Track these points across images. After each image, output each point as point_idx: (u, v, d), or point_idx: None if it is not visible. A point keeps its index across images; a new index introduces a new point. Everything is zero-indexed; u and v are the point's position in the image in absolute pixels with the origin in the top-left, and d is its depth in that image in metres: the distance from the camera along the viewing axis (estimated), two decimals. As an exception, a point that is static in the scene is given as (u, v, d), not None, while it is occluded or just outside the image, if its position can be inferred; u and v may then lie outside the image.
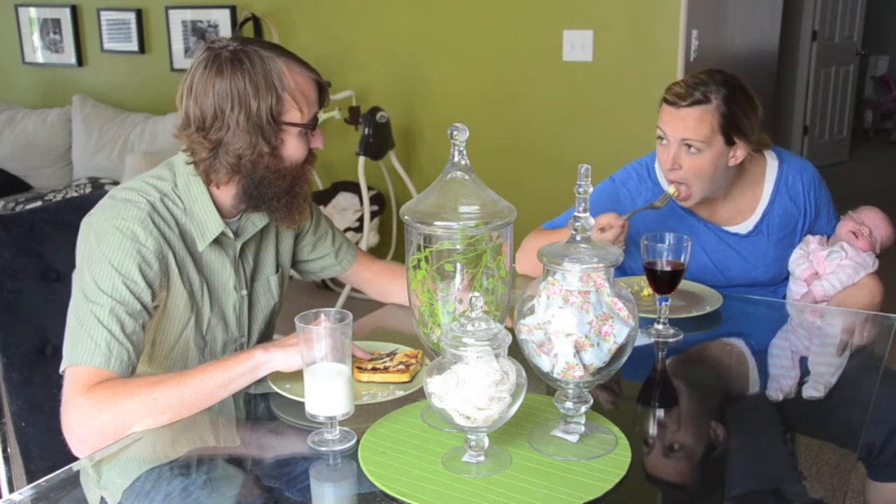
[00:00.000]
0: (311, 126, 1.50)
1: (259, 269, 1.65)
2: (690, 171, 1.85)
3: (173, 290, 1.49)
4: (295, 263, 1.79)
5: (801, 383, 1.53)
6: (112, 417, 1.26)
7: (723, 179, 1.91)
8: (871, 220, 1.96)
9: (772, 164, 1.99)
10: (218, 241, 1.54)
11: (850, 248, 1.90)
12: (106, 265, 1.39)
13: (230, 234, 1.55)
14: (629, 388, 1.49)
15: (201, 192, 1.51)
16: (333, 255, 1.80)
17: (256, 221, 1.60)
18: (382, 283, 1.84)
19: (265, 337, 1.72)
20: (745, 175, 1.97)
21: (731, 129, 1.82)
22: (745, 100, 1.85)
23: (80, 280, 1.40)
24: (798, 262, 1.94)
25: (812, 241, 1.95)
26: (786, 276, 2.01)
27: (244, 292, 1.61)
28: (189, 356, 1.56)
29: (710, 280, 1.95)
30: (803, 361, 1.65)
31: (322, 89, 1.53)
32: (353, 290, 3.59)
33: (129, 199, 1.46)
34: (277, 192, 1.50)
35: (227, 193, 1.52)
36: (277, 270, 1.69)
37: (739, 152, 1.87)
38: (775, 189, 1.97)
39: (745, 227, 1.98)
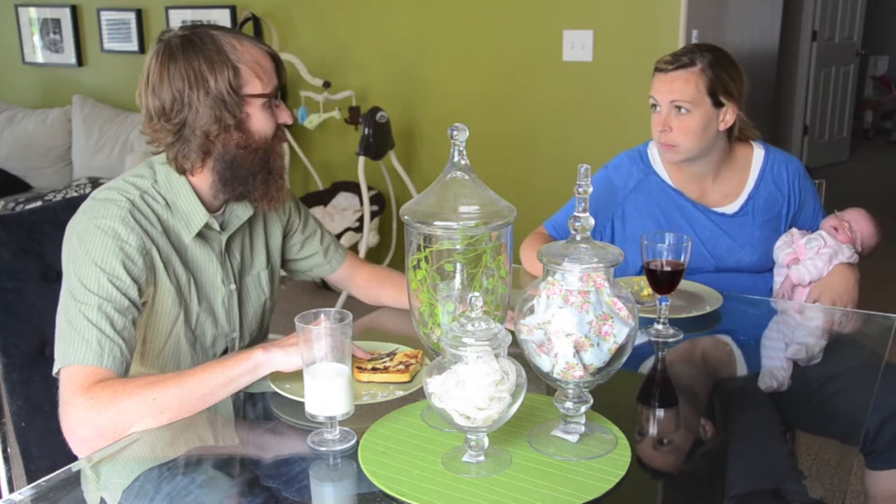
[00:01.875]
0: (273, 95, 1.51)
1: (249, 264, 1.66)
2: (680, 132, 1.93)
3: (160, 286, 1.49)
4: (284, 263, 1.79)
5: (800, 383, 1.54)
6: (112, 417, 1.26)
7: (712, 145, 1.98)
8: (852, 216, 2.04)
9: (758, 153, 2.09)
10: (203, 236, 1.55)
11: (829, 237, 1.96)
12: (90, 264, 1.39)
13: (216, 227, 1.55)
14: (629, 388, 1.49)
15: (183, 186, 1.51)
16: (322, 254, 1.81)
17: (240, 214, 1.60)
18: (371, 288, 1.85)
19: (258, 333, 1.72)
20: (733, 160, 2.07)
21: (717, 90, 1.93)
22: (729, 65, 1.96)
23: (67, 282, 1.41)
24: (781, 248, 2.01)
25: (796, 233, 2.03)
26: (773, 265, 2.06)
27: (233, 287, 1.61)
28: (181, 352, 1.56)
29: (700, 261, 2.00)
30: (803, 361, 1.65)
31: (277, 62, 1.54)
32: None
33: (108, 198, 1.46)
34: (252, 170, 1.51)
35: (205, 183, 1.53)
36: (268, 266, 1.69)
37: (728, 116, 1.96)
38: (760, 175, 2.06)
39: (731, 208, 2.05)
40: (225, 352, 1.63)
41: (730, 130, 2.01)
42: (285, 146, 1.63)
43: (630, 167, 2.09)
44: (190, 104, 1.45)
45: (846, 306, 1.88)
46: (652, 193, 2.05)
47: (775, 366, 1.61)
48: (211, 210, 1.55)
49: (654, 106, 1.98)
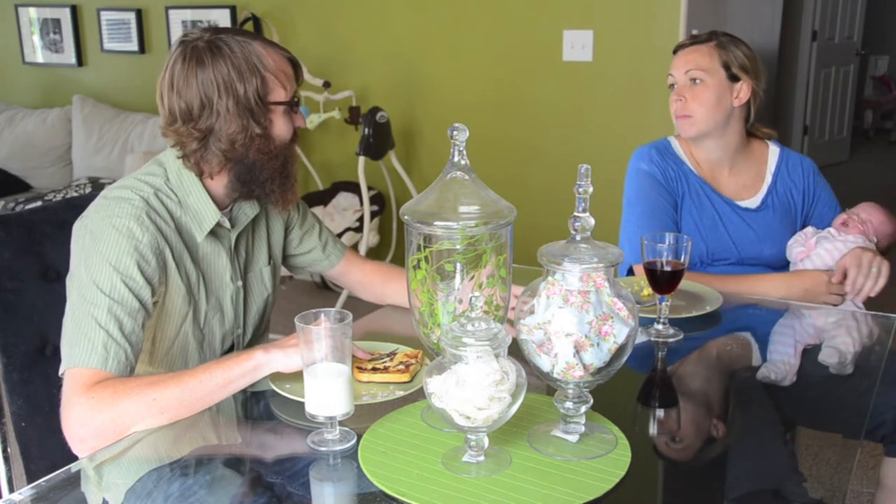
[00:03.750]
0: (295, 103, 1.54)
1: (252, 260, 1.67)
2: (694, 101, 2.02)
3: (171, 285, 1.49)
4: (284, 259, 1.80)
5: (801, 383, 1.54)
6: (112, 417, 1.26)
7: (726, 122, 2.05)
8: (864, 210, 2.07)
9: (774, 150, 2.17)
10: (214, 233, 1.56)
11: (839, 233, 2.00)
12: (104, 264, 1.39)
13: (227, 225, 1.56)
14: (629, 388, 1.49)
15: (194, 184, 1.52)
16: (321, 249, 1.81)
17: (248, 211, 1.61)
18: (376, 284, 1.85)
19: (260, 329, 1.73)
20: (750, 153, 2.15)
21: (731, 64, 2.03)
22: (743, 46, 2.07)
23: (77, 282, 1.40)
24: (794, 245, 2.05)
25: (809, 231, 2.08)
26: (787, 262, 2.09)
27: (239, 283, 1.62)
28: (189, 351, 1.56)
29: (725, 252, 2.06)
30: (803, 361, 1.65)
31: (296, 67, 1.56)
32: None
33: (122, 196, 1.46)
34: (271, 174, 1.53)
35: (220, 183, 1.54)
36: (270, 262, 1.70)
37: (743, 93, 2.04)
38: (777, 169, 2.14)
39: (753, 202, 2.12)
40: (231, 348, 1.64)
41: (746, 115, 2.09)
42: (297, 148, 1.65)
43: (662, 160, 2.09)
44: (218, 112, 1.45)
45: (879, 266, 1.84)
46: (679, 188, 2.10)
47: (775, 365, 1.61)
48: (221, 207, 1.56)
49: (671, 86, 2.07)
